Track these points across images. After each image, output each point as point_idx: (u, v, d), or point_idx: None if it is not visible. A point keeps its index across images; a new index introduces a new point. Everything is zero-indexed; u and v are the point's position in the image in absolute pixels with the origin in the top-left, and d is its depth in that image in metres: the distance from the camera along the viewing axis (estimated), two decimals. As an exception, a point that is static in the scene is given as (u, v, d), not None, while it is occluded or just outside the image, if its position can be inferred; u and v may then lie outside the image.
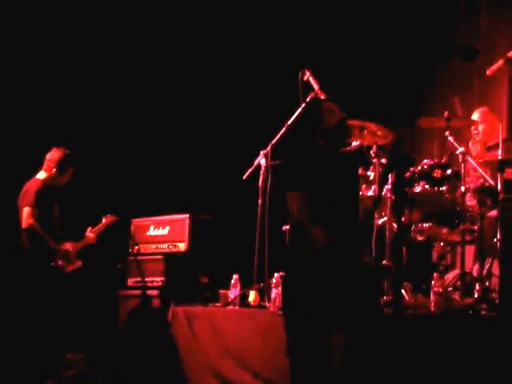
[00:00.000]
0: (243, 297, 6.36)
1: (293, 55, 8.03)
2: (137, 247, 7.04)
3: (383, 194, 5.92)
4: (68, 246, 6.75)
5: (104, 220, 7.06)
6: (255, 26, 8.57)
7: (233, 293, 6.36)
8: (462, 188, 5.64)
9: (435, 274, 5.43)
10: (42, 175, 6.77)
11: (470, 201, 5.87)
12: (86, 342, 6.72)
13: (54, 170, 6.75)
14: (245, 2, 8.61)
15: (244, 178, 6.60)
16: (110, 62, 8.38)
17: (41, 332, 6.43)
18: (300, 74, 6.44)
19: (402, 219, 5.89)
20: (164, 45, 8.60)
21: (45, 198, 6.64)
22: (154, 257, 7.10)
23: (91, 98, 8.30)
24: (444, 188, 5.82)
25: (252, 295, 6.32)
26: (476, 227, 5.62)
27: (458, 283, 5.57)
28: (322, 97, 6.39)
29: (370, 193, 6.09)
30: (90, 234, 6.95)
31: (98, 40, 8.31)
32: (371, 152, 6.12)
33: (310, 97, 6.42)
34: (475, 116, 6.54)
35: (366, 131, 6.18)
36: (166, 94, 8.62)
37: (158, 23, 8.57)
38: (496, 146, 6.30)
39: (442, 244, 5.92)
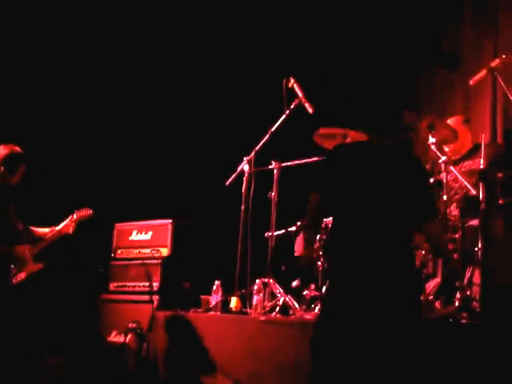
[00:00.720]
0: (225, 303, 6.36)
1: (278, 62, 8.05)
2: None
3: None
4: (23, 248, 6.45)
5: (75, 215, 6.87)
6: (238, 33, 8.58)
7: (214, 299, 6.37)
8: (444, 197, 5.66)
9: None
10: None
11: (452, 210, 5.90)
12: (66, 347, 6.69)
13: (2, 168, 6.43)
14: (229, 9, 8.62)
15: (227, 183, 6.62)
16: (93, 68, 8.37)
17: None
18: (285, 81, 6.47)
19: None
20: (142, 51, 8.59)
21: None
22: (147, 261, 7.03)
23: (74, 102, 8.29)
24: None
25: (234, 301, 6.33)
26: (457, 236, 5.63)
27: (439, 291, 5.59)
28: (307, 105, 6.42)
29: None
30: (47, 231, 6.74)
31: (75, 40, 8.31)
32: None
33: (294, 104, 6.45)
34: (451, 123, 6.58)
35: (348, 139, 6.21)
36: (150, 100, 8.62)
37: (136, 34, 8.55)
38: (463, 159, 6.37)
39: (423, 252, 5.93)
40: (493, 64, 5.83)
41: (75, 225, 6.86)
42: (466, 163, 6.34)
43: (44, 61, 8.13)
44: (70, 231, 6.84)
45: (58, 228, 6.80)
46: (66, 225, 6.83)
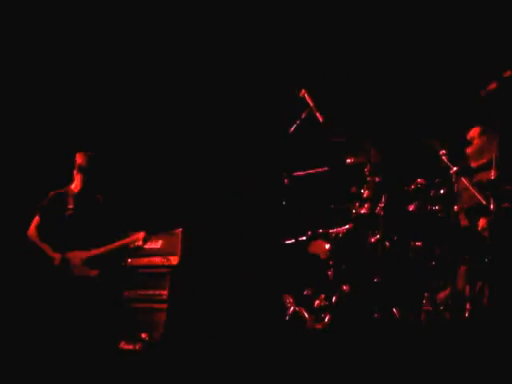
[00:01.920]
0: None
1: (289, 72, 8.06)
2: None
3: (376, 211, 5.94)
4: (75, 254, 6.59)
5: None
6: (254, 44, 8.59)
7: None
8: (455, 207, 5.65)
9: (427, 293, 5.44)
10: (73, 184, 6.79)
11: (463, 220, 5.88)
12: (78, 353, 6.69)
13: (78, 174, 6.71)
14: (243, 15, 8.62)
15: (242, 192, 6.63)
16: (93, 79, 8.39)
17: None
18: (296, 91, 6.48)
19: (395, 237, 5.91)
20: (150, 57, 8.62)
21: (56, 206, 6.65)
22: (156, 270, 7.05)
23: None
24: (437, 207, 5.83)
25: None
26: (468, 247, 5.62)
27: (450, 302, 5.57)
28: (318, 115, 6.43)
29: (364, 211, 6.12)
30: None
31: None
32: (365, 170, 6.15)
33: (304, 114, 6.45)
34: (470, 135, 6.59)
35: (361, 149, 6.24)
36: (160, 104, 8.62)
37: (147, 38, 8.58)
38: (482, 168, 6.35)
39: (434, 263, 5.91)
40: (505, 74, 5.81)
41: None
42: (481, 174, 6.33)
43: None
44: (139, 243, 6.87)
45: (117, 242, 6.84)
46: (132, 237, 6.84)
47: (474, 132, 6.57)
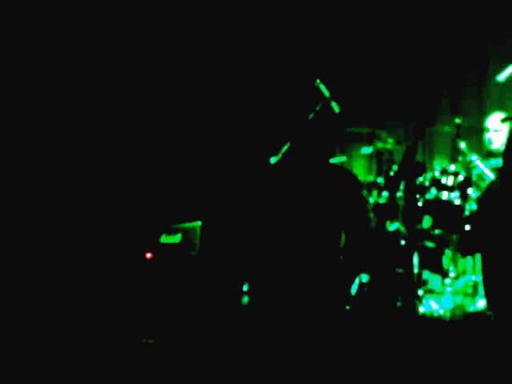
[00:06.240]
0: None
1: (305, 61, 8.05)
2: None
3: (395, 200, 5.93)
4: None
5: None
6: (269, 33, 8.58)
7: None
8: (474, 194, 5.64)
9: (446, 281, 5.44)
10: None
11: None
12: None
13: None
14: (258, 11, 8.62)
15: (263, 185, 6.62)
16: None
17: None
18: (311, 81, 6.46)
19: (414, 226, 5.90)
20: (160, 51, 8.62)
21: None
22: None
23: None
24: (455, 194, 5.81)
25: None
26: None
27: (469, 289, 5.58)
28: (333, 105, 6.41)
29: (382, 200, 6.11)
30: None
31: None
32: (382, 159, 6.16)
33: (320, 105, 6.43)
34: (488, 121, 6.54)
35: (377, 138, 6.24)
36: (173, 95, 8.61)
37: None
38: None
39: (452, 251, 5.90)
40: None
41: None
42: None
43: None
44: None
45: None
46: None
47: (494, 118, 6.53)
